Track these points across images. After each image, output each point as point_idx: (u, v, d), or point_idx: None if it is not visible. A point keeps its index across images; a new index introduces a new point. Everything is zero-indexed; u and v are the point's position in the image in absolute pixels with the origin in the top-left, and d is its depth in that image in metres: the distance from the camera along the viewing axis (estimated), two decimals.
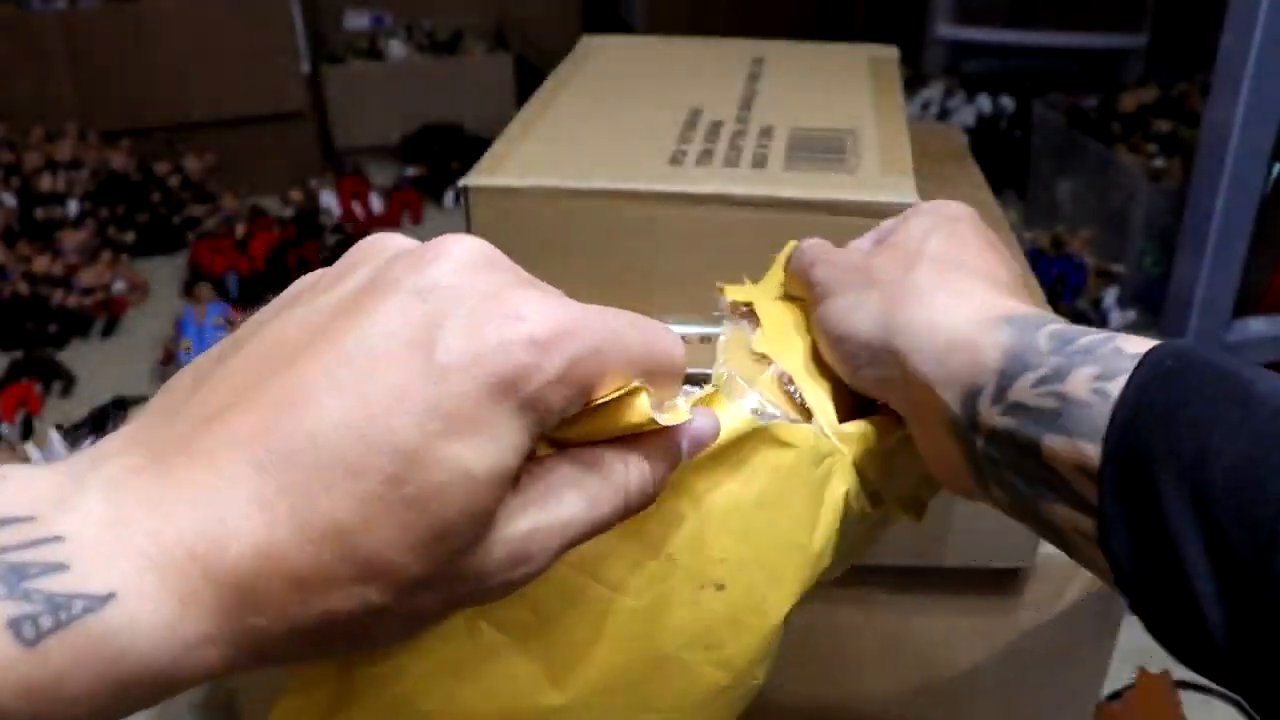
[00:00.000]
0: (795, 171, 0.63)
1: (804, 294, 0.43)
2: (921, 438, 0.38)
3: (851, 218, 0.60)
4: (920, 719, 0.68)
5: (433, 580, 0.24)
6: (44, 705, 0.19)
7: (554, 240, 0.63)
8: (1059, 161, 1.96)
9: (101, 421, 1.39)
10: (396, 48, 2.54)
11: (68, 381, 1.64)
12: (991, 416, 0.33)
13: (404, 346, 0.23)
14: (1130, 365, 0.31)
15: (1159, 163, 1.74)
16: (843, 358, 0.39)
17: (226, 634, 0.22)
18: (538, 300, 0.25)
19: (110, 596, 0.20)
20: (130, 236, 2.03)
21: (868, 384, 0.39)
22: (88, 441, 1.35)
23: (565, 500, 0.27)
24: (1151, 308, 1.65)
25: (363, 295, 0.24)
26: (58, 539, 0.20)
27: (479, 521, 0.24)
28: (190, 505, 0.22)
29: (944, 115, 2.29)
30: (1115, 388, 0.30)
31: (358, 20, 2.66)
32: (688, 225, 0.61)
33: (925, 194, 0.60)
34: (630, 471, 0.28)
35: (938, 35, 2.48)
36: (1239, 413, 0.28)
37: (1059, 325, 0.34)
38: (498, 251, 0.26)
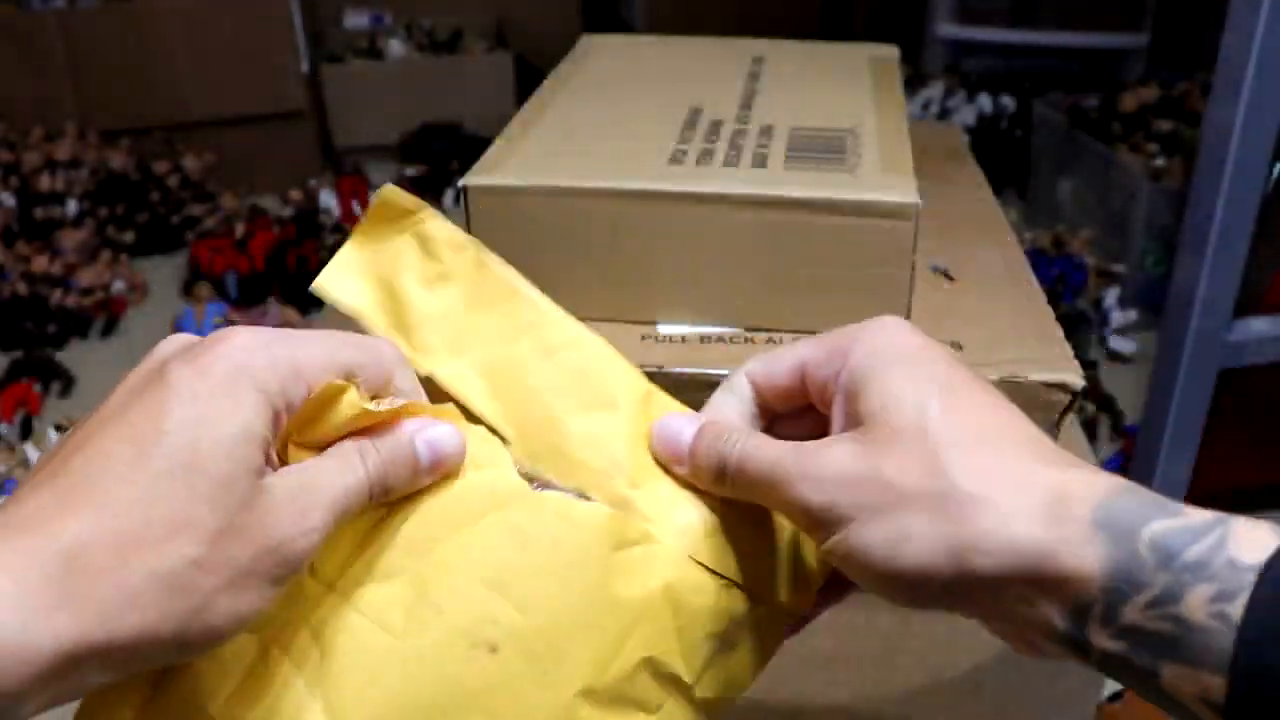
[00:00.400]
0: (795, 171, 0.62)
1: (775, 508, 0.38)
2: (1016, 643, 0.34)
3: (851, 218, 0.60)
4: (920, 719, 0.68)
5: (229, 529, 0.29)
6: None
7: (553, 240, 0.63)
8: (1059, 161, 1.96)
9: None
10: (396, 47, 2.54)
11: (67, 381, 1.64)
12: (1103, 639, 0.30)
13: (150, 386, 0.31)
14: (1249, 579, 0.28)
15: (1160, 162, 1.74)
16: (903, 595, 0.34)
17: (67, 600, 0.27)
18: (241, 330, 0.34)
19: None
20: (129, 236, 2.03)
21: (945, 609, 0.34)
22: None
23: (321, 467, 0.33)
24: (1152, 307, 1.65)
25: (149, 387, 0.32)
26: None
27: (246, 471, 0.30)
28: (6, 524, 0.28)
29: (944, 115, 2.29)
30: (1236, 609, 0.28)
31: (357, 19, 2.66)
32: (688, 225, 0.61)
33: (925, 194, 0.60)
34: (366, 452, 0.34)
35: (938, 34, 2.48)
36: None
37: (1157, 528, 0.30)
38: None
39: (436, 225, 0.39)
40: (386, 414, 0.35)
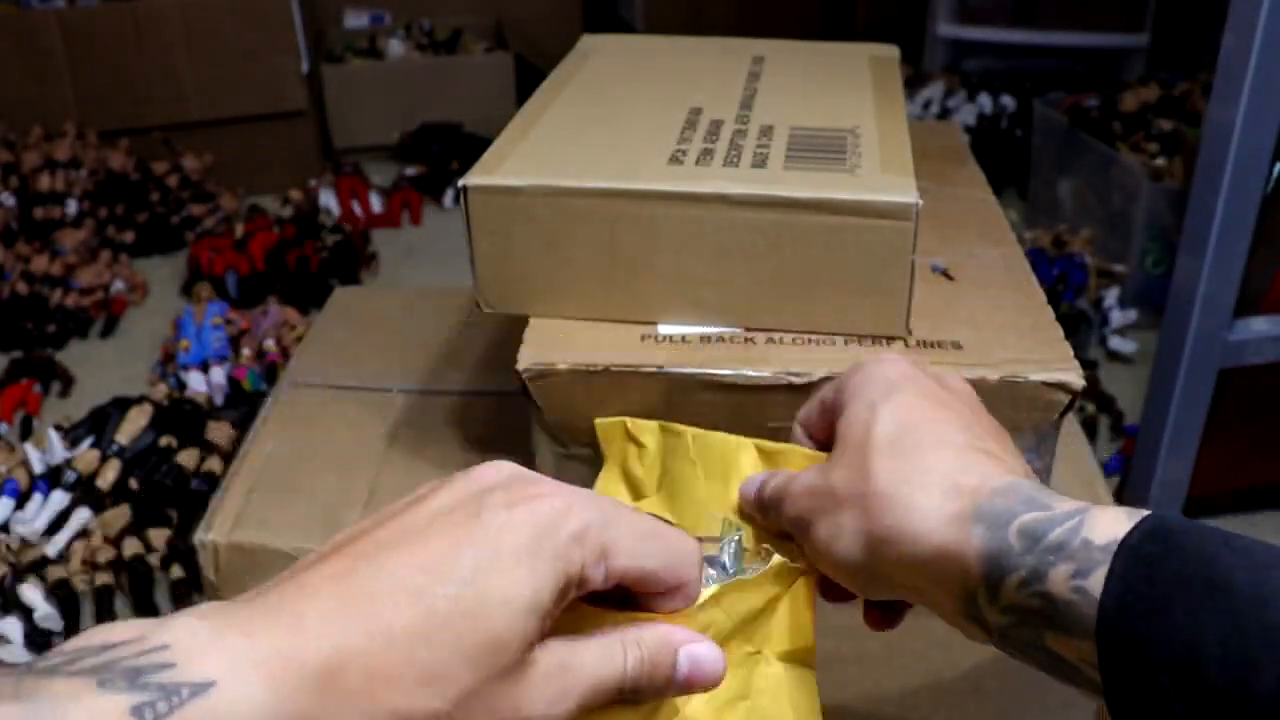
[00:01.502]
0: (795, 171, 0.62)
1: (786, 529, 0.43)
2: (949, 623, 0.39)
3: (851, 218, 0.60)
4: None
5: (482, 693, 0.29)
6: None
7: (554, 240, 0.62)
8: (1060, 161, 1.96)
9: (101, 422, 1.39)
10: (396, 47, 2.54)
11: (66, 381, 1.64)
12: (995, 615, 0.35)
13: (460, 515, 0.30)
14: (1103, 558, 0.32)
15: (1160, 162, 1.74)
16: (849, 585, 0.40)
17: (313, 714, 0.26)
18: (566, 490, 0.32)
19: (211, 684, 0.25)
20: (129, 236, 2.03)
21: (885, 596, 0.41)
22: (87, 442, 1.35)
23: (585, 650, 0.32)
24: (1152, 307, 1.65)
25: (463, 515, 0.31)
26: (164, 646, 0.25)
27: (520, 641, 0.29)
28: (276, 617, 0.27)
29: (945, 114, 2.29)
30: (1094, 584, 0.32)
31: (357, 19, 2.66)
32: (688, 225, 0.61)
33: (925, 194, 0.60)
34: (630, 647, 0.33)
35: (939, 34, 2.48)
36: (1223, 604, 0.30)
37: (1027, 518, 0.35)
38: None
39: (633, 424, 0.52)
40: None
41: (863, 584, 0.40)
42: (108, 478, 1.29)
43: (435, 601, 0.28)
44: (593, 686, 0.32)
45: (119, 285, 1.89)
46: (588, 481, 0.55)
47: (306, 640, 0.27)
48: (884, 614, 0.44)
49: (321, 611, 0.27)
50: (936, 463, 0.38)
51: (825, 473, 0.40)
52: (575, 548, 0.31)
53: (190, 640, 0.26)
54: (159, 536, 1.24)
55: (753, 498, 0.45)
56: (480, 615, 0.28)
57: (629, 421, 0.51)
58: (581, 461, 0.62)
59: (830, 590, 0.43)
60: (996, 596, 0.35)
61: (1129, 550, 0.32)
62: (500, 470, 0.33)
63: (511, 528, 0.30)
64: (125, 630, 0.26)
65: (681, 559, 0.34)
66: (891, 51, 0.86)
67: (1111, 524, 0.33)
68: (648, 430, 0.51)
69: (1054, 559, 0.33)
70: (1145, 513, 0.33)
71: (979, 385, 0.59)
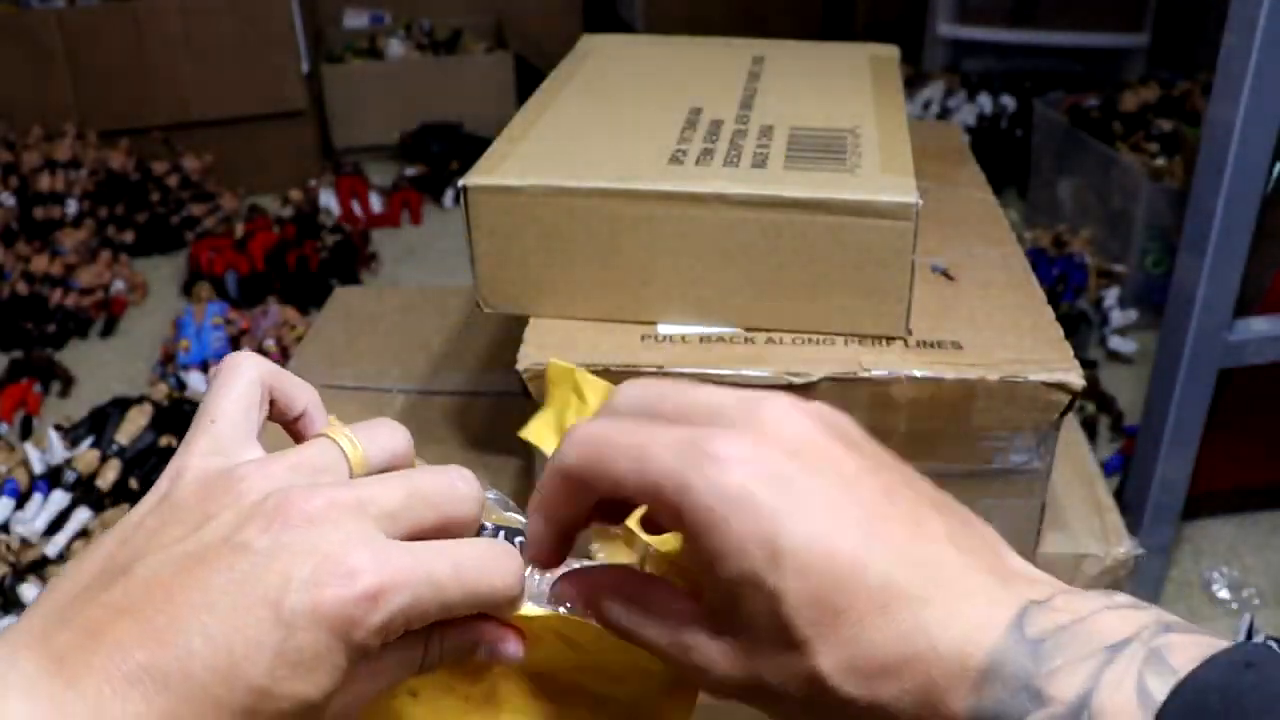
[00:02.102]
0: (795, 171, 0.62)
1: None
2: None
3: (851, 218, 0.60)
4: None
5: None
6: None
7: (553, 239, 0.62)
8: (1060, 161, 1.96)
9: (101, 422, 1.39)
10: (396, 47, 2.54)
11: (66, 381, 1.64)
12: None
13: (259, 603, 0.29)
14: None
15: (1160, 162, 1.74)
16: None
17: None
18: (368, 556, 0.30)
19: None
20: (129, 236, 2.03)
21: None
22: (87, 441, 1.35)
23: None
24: (1153, 307, 1.65)
25: (225, 549, 0.30)
26: None
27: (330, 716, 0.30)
28: (91, 715, 0.28)
29: (945, 114, 2.29)
30: None
31: (357, 19, 2.66)
32: (688, 225, 0.61)
33: (925, 194, 0.60)
34: (432, 644, 0.33)
35: (939, 34, 2.48)
36: None
37: (1036, 688, 0.28)
38: (340, 493, 0.31)
39: (582, 376, 0.49)
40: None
41: None
42: (108, 478, 1.29)
43: (231, 714, 0.29)
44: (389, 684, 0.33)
45: (119, 285, 1.89)
46: None
47: None
48: None
49: (127, 713, 0.28)
50: (888, 638, 0.29)
51: (748, 668, 0.31)
52: (378, 635, 0.30)
53: None
54: None
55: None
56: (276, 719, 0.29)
57: (578, 372, 0.49)
58: None
59: None
60: None
61: None
62: (296, 515, 0.30)
63: (313, 627, 0.29)
64: None
65: (482, 579, 0.32)
66: (891, 51, 0.86)
67: (1125, 689, 0.27)
68: (593, 387, 0.49)
69: None
70: (1164, 687, 0.26)
71: (979, 385, 0.59)
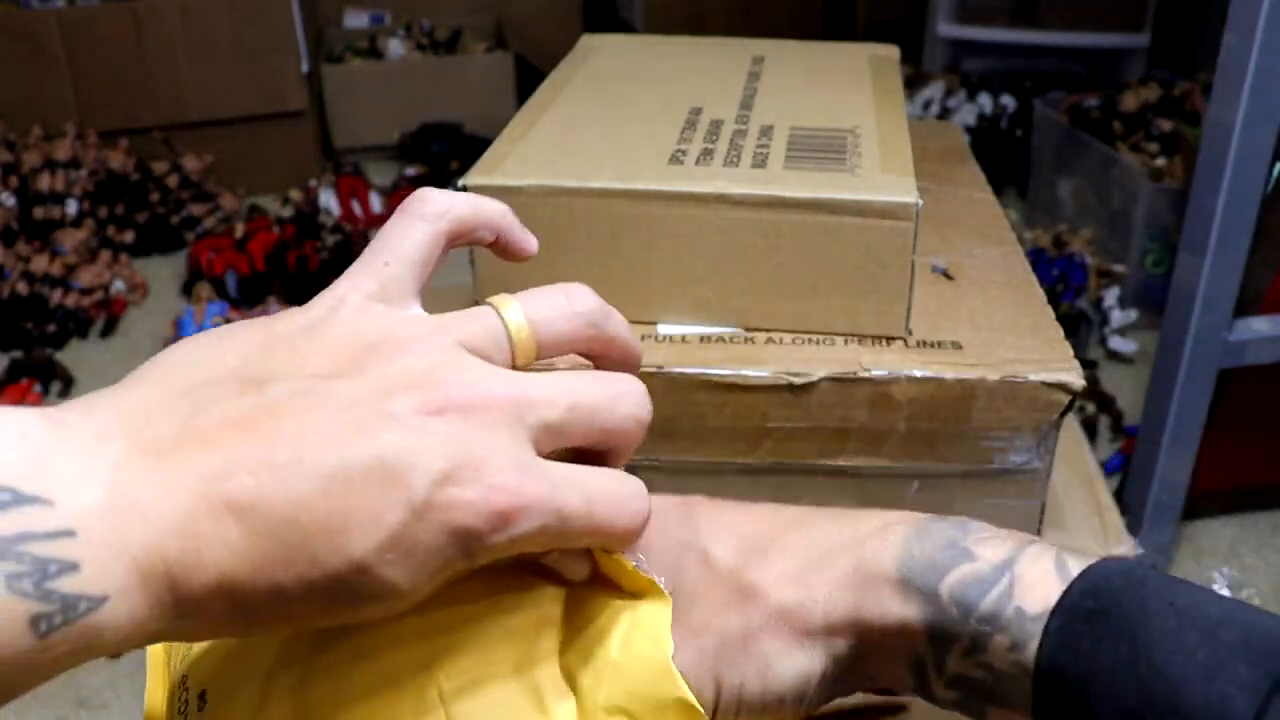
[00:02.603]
0: (795, 171, 0.62)
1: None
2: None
3: (851, 218, 0.60)
4: None
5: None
6: (35, 676, 0.24)
7: (554, 240, 0.62)
8: (1060, 161, 1.96)
9: None
10: (396, 47, 2.54)
11: (66, 381, 1.64)
12: (941, 688, 0.33)
13: (392, 480, 0.27)
14: (1035, 630, 0.30)
15: (1160, 162, 1.74)
16: (799, 712, 0.35)
17: (176, 629, 0.27)
18: (512, 473, 0.28)
19: (105, 599, 0.24)
20: (129, 236, 2.03)
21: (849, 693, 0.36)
22: None
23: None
24: (1152, 307, 1.65)
25: (371, 411, 0.27)
26: (70, 534, 0.24)
27: (396, 611, 0.29)
28: (177, 523, 0.25)
29: (945, 114, 2.29)
30: (1029, 657, 0.30)
31: (357, 19, 2.66)
32: (688, 225, 0.61)
33: (925, 194, 0.60)
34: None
35: (939, 34, 2.48)
36: (1158, 688, 0.28)
37: (953, 579, 0.32)
38: (500, 388, 0.29)
39: None
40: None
41: (806, 706, 0.35)
42: None
43: (322, 577, 0.26)
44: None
45: (119, 285, 1.89)
46: None
47: (198, 566, 0.25)
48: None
49: (219, 535, 0.26)
50: (809, 539, 0.35)
51: (690, 632, 0.34)
52: (494, 551, 0.29)
53: (95, 530, 0.24)
54: None
55: None
56: (361, 599, 0.27)
57: None
58: None
59: None
60: (943, 668, 0.32)
61: (1064, 614, 0.30)
62: (457, 402, 0.29)
63: (436, 524, 0.27)
64: (30, 461, 0.24)
65: (611, 520, 0.31)
66: (891, 51, 0.86)
67: (1043, 588, 0.31)
68: None
69: (990, 629, 0.31)
70: (1077, 567, 0.31)
71: (979, 385, 0.60)
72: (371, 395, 0.28)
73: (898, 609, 0.32)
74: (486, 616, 0.34)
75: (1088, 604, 0.30)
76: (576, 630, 0.35)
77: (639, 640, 0.34)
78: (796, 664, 0.33)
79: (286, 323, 0.30)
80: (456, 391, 0.28)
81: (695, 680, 0.33)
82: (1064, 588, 0.31)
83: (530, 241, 0.38)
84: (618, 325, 0.34)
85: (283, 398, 0.27)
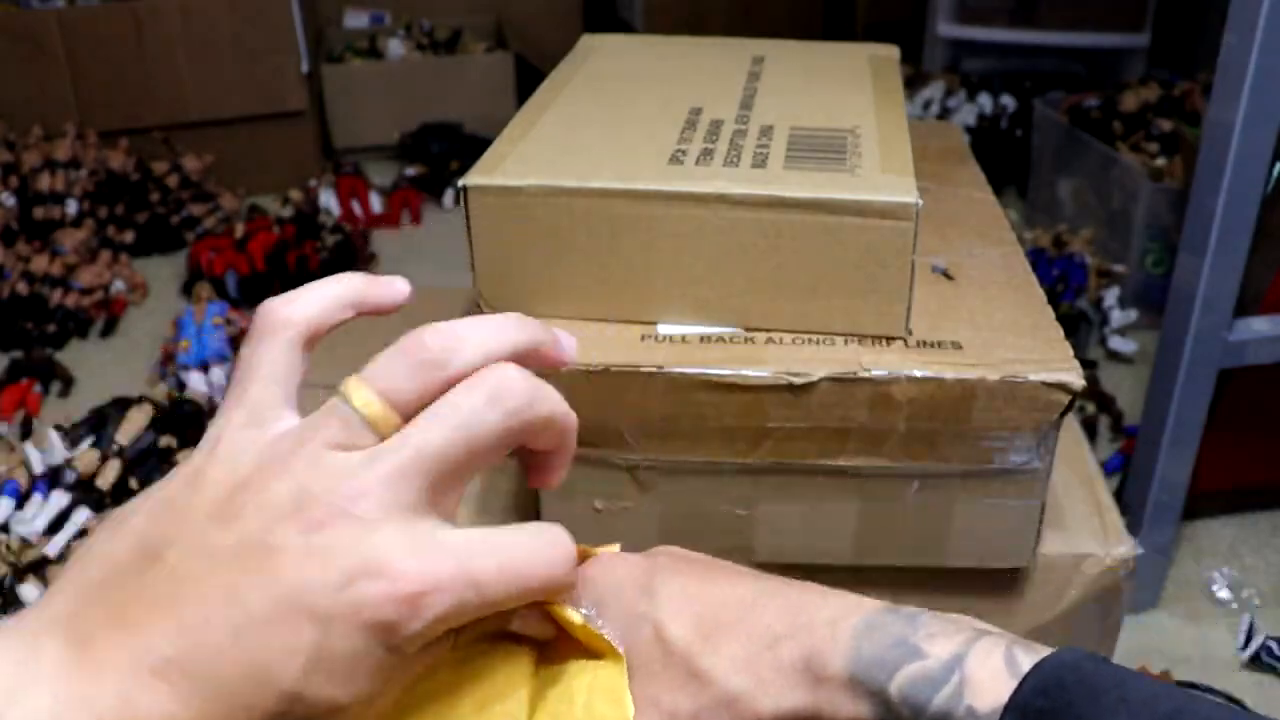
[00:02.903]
0: (795, 171, 0.62)
1: None
2: None
3: (851, 218, 0.60)
4: None
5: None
6: None
7: (554, 240, 0.62)
8: (1060, 161, 1.96)
9: (101, 422, 1.39)
10: (396, 47, 2.54)
11: (66, 381, 1.64)
12: None
13: (294, 606, 0.28)
14: None
15: (1160, 162, 1.74)
16: None
17: None
18: (409, 558, 0.29)
19: None
20: (129, 236, 2.03)
21: None
22: (87, 441, 1.35)
23: None
24: (1153, 307, 1.65)
25: (258, 549, 0.29)
26: None
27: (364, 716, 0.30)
28: (116, 706, 0.27)
29: (945, 114, 2.29)
30: None
31: (357, 19, 2.66)
32: (688, 225, 0.61)
33: (925, 194, 0.60)
34: None
35: (939, 34, 2.48)
36: None
37: (901, 678, 0.32)
38: (371, 474, 0.30)
39: None
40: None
41: None
42: (108, 478, 1.29)
43: (261, 716, 0.28)
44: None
45: (119, 285, 1.89)
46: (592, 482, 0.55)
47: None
48: None
49: (155, 713, 0.27)
50: (765, 629, 0.34)
51: (657, 706, 0.35)
52: (417, 638, 0.29)
53: None
54: None
55: None
56: None
57: None
58: (583, 462, 0.62)
59: None
60: None
61: (1016, 712, 0.30)
62: (296, 466, 0.30)
63: (350, 630, 0.28)
64: None
65: (530, 574, 0.31)
66: (891, 51, 0.86)
67: (994, 686, 0.31)
68: None
69: None
70: (1028, 662, 0.31)
71: (979, 385, 0.60)
72: (255, 535, 0.29)
73: (849, 708, 0.32)
74: (458, 688, 0.34)
75: (1039, 703, 0.29)
76: (545, 689, 0.35)
77: (600, 702, 0.34)
78: None
79: (174, 481, 0.31)
80: (328, 500, 0.29)
81: None
82: (1015, 685, 0.30)
83: (400, 297, 0.38)
84: (469, 360, 0.32)
85: (179, 564, 0.29)
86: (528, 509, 0.71)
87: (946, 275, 0.70)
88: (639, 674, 0.35)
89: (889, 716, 0.32)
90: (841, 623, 0.34)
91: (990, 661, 0.31)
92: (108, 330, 1.81)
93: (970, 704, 0.31)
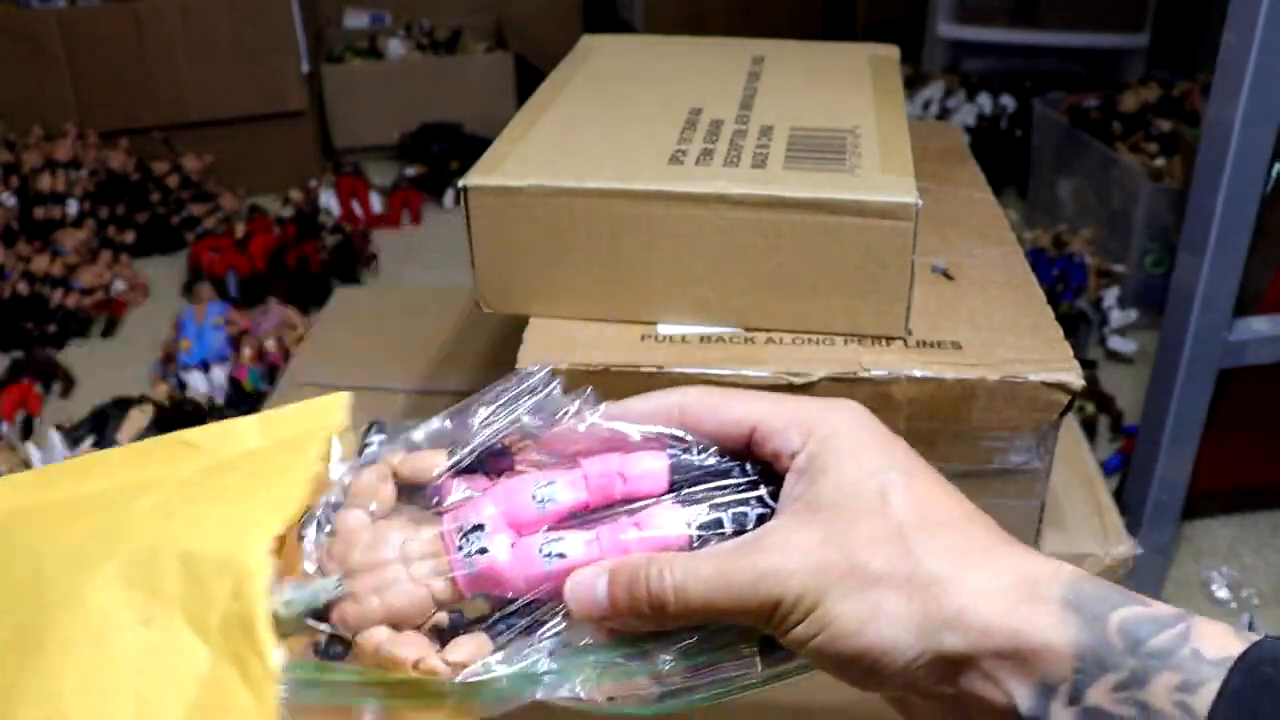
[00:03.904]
0: (795, 171, 0.62)
1: (683, 622, 0.35)
2: None
3: (851, 218, 0.60)
4: None
5: None
6: None
7: (553, 240, 0.63)
8: (1060, 161, 1.96)
9: (102, 422, 1.39)
10: (396, 47, 2.54)
11: (67, 382, 1.64)
12: (1066, 717, 0.31)
13: None
14: (1213, 674, 0.30)
15: (1160, 162, 1.74)
16: (865, 675, 0.34)
17: None
18: None
19: None
20: (130, 236, 2.03)
21: (895, 690, 0.35)
22: (88, 441, 1.35)
23: None
24: (1152, 307, 1.65)
25: None
26: None
27: None
28: None
29: (944, 114, 2.29)
30: (1200, 702, 0.29)
31: (357, 19, 2.66)
32: (688, 225, 0.61)
33: (925, 194, 0.60)
34: None
35: (938, 34, 2.48)
36: None
37: (1126, 614, 0.32)
38: None
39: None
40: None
41: (890, 675, 0.34)
42: None
43: None
44: None
45: (120, 285, 1.89)
46: None
47: None
48: None
49: None
50: (991, 543, 0.34)
51: (837, 544, 0.34)
52: None
53: None
54: None
55: (601, 603, 0.35)
56: None
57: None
58: None
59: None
60: (1079, 697, 0.31)
61: (1246, 671, 0.29)
62: None
63: None
64: None
65: None
66: (891, 51, 0.86)
67: (1222, 639, 0.30)
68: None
69: (1158, 665, 0.30)
70: (1255, 636, 0.30)
71: (979, 385, 0.60)
72: None
73: (1056, 629, 0.31)
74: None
75: (1266, 670, 0.29)
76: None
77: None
78: (905, 625, 0.33)
79: None
80: None
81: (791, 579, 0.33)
82: (1244, 646, 0.30)
83: None
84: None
85: None
86: None
87: (946, 275, 0.70)
88: (842, 516, 0.34)
89: (1095, 643, 0.31)
90: (1060, 562, 0.33)
91: (1217, 625, 0.31)
92: (108, 330, 1.82)
93: (1197, 648, 0.30)
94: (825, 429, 0.36)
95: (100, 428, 1.38)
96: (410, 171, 2.30)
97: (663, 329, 0.64)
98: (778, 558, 0.34)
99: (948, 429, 0.61)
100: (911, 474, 0.36)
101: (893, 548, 0.34)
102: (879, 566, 0.33)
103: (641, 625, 0.35)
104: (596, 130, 0.69)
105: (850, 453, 0.36)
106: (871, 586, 0.33)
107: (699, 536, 0.36)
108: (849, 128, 0.69)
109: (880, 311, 0.62)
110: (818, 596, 0.33)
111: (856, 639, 0.33)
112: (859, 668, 0.34)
